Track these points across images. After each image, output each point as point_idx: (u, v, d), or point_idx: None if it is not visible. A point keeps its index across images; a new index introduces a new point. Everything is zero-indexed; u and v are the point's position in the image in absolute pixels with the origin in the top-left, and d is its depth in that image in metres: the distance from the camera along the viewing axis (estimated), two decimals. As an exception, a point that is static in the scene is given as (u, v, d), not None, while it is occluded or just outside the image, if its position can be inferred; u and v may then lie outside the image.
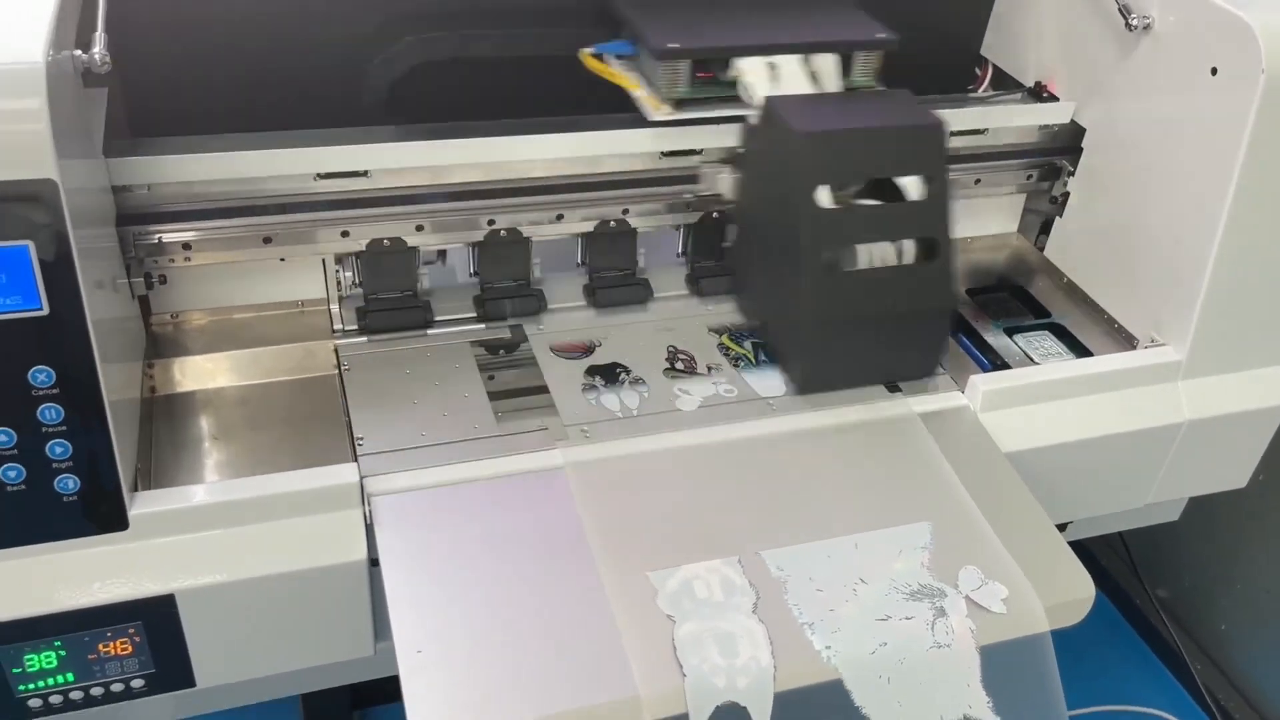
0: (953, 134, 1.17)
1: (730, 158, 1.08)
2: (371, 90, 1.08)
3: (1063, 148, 1.20)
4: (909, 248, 0.99)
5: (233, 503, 0.83)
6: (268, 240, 1.00)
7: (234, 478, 0.88)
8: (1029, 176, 1.22)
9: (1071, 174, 1.20)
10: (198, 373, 1.01)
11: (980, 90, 1.29)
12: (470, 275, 1.11)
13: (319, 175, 1.00)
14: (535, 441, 0.94)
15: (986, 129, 1.19)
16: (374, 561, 0.85)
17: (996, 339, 1.15)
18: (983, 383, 1.03)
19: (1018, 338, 1.16)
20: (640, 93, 1.03)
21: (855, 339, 1.00)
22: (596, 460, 0.93)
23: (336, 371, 1.02)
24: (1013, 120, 1.19)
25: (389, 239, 1.04)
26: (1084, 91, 1.17)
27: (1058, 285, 1.23)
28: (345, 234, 1.02)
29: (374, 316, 1.06)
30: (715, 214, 1.13)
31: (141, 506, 0.81)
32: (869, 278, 0.98)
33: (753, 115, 1.02)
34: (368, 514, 0.86)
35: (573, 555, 0.85)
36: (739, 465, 0.95)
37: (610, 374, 1.04)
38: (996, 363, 1.12)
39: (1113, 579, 1.69)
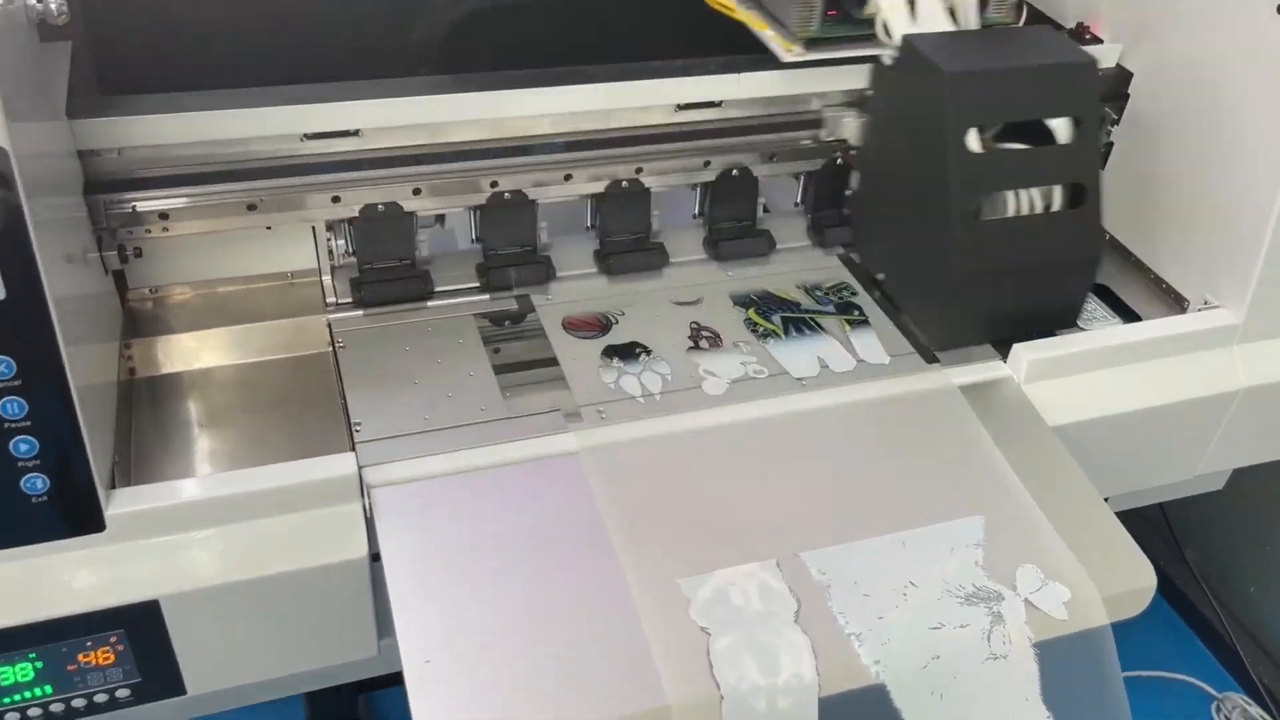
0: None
1: (858, 100, 1.04)
2: (425, 32, 1.04)
3: (1107, 94, 1.12)
4: (1056, 194, 0.95)
5: (218, 499, 0.78)
6: (252, 207, 0.95)
7: (223, 468, 0.84)
8: (1070, 126, 1.16)
9: (1116, 122, 1.13)
10: (181, 352, 0.96)
11: (1017, 32, 1.22)
12: (472, 241, 1.06)
13: (306, 135, 0.94)
14: (547, 424, 0.88)
15: (1025, 75, 1.12)
16: (375, 556, 0.80)
17: (1039, 302, 1.10)
18: (1026, 351, 0.97)
19: (1062, 301, 1.10)
20: (768, 33, 0.99)
21: (998, 291, 0.96)
22: (614, 445, 0.87)
23: (330, 349, 0.97)
24: (1053, 65, 1.12)
25: (384, 204, 0.99)
26: (1131, 33, 1.10)
27: (1101, 243, 1.16)
28: (336, 199, 0.97)
29: (370, 288, 1.01)
30: (734, 171, 1.06)
31: (119, 506, 0.76)
32: (1016, 226, 0.94)
33: (886, 55, 0.98)
34: (367, 507, 0.81)
35: (592, 554, 0.79)
36: (771, 449, 0.89)
37: (629, 354, 0.97)
38: (1040, 329, 1.06)
39: (1143, 542, 1.64)
